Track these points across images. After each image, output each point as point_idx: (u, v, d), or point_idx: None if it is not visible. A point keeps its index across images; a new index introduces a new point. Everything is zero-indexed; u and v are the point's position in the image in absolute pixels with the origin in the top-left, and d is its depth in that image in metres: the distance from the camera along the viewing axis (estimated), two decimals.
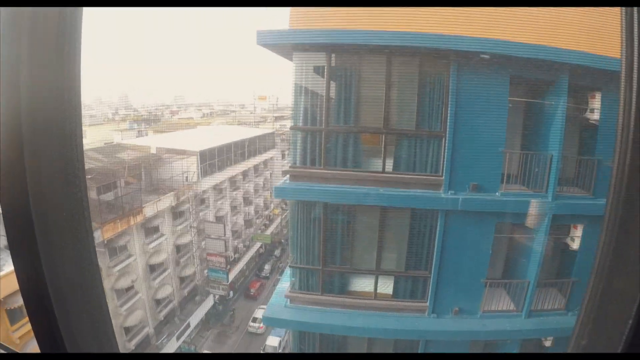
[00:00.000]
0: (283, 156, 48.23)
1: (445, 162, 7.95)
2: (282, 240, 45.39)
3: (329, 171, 8.18)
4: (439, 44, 7.33)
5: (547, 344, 9.43)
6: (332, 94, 8.06)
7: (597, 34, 7.31)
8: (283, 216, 48.24)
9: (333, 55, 7.81)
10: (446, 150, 7.89)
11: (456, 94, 7.65)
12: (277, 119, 56.67)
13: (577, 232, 8.63)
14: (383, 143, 8.08)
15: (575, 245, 8.70)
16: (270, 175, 46.04)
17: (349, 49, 7.62)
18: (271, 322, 10.36)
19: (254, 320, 30.61)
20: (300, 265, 9.12)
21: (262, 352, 27.44)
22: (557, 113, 8.01)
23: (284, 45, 7.88)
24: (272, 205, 46.88)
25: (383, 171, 8.10)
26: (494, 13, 7.40)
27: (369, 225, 8.81)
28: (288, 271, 9.86)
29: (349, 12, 7.51)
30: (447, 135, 7.80)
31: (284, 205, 47.32)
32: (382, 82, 7.80)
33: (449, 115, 7.72)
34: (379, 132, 8.09)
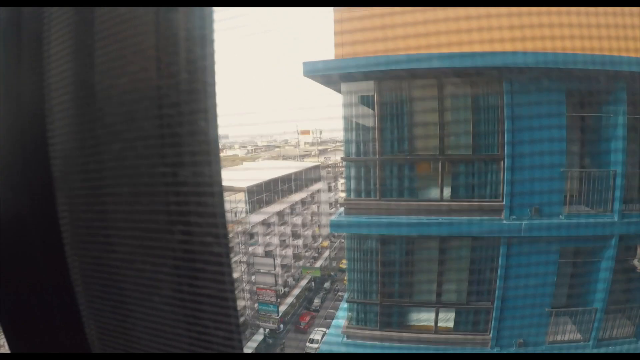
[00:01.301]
0: (330, 189, 48.40)
1: (504, 186, 7.59)
2: (332, 273, 44.93)
3: (385, 202, 7.99)
4: (490, 61, 7.09)
5: None
6: (384, 122, 7.95)
7: None
8: (332, 248, 48.00)
9: (382, 81, 7.74)
10: (505, 174, 7.54)
11: (512, 113, 7.35)
12: (321, 152, 57.32)
13: None
14: (439, 170, 7.84)
15: None
16: (318, 208, 46.12)
17: (398, 74, 7.52)
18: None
19: (311, 341, 30.53)
20: (358, 300, 8.86)
21: None
22: (617, 125, 7.52)
23: (330, 75, 7.87)
24: (320, 238, 46.76)
25: (441, 199, 7.82)
26: (544, 24, 7.16)
27: (428, 256, 8.48)
28: (344, 305, 9.61)
29: (395, 36, 7.46)
30: (505, 158, 7.46)
31: (332, 238, 47.13)
32: (434, 106, 7.64)
33: (505, 136, 7.42)
34: (435, 159, 7.88)
